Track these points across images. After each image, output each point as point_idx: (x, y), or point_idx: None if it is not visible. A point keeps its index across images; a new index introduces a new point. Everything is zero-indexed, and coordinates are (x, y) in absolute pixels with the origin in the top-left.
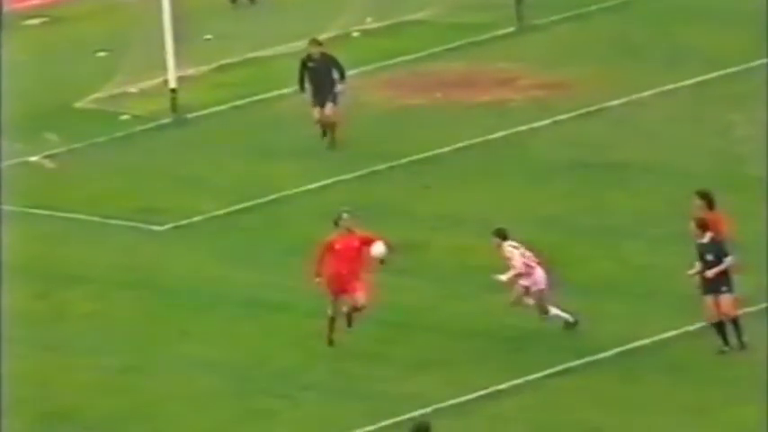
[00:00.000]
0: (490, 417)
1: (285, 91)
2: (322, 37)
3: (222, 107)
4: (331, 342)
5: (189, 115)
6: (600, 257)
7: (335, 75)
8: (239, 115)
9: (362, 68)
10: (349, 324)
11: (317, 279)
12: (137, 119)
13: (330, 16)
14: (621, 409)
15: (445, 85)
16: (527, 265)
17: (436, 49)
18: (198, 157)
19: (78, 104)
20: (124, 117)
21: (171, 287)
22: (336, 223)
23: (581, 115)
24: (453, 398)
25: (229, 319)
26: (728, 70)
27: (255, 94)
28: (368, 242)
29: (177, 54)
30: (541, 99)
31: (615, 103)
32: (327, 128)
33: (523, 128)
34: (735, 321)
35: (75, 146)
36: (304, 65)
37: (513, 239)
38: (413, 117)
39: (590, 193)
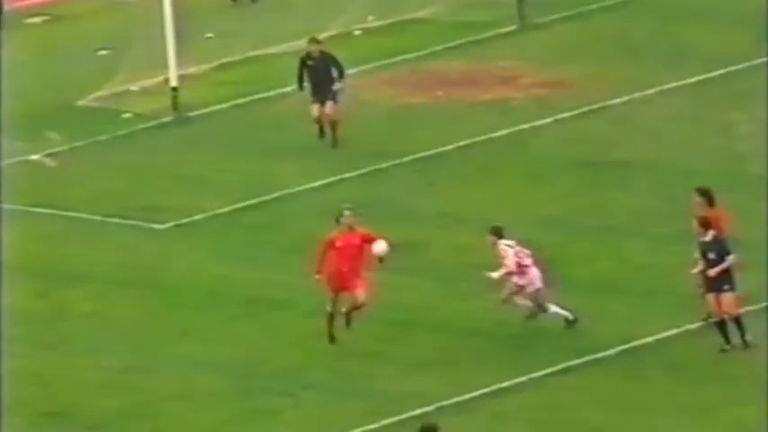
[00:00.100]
0: (491, 415)
1: (287, 89)
2: (323, 35)
3: (224, 105)
4: (332, 338)
5: (190, 114)
6: (601, 256)
7: (335, 73)
8: (241, 114)
9: (364, 67)
10: (348, 324)
11: (318, 276)
12: (138, 117)
13: (332, 15)
14: (623, 408)
15: (447, 83)
16: (520, 265)
17: (438, 48)
18: (199, 155)
19: (80, 103)
20: (126, 115)
21: (172, 286)
22: (338, 220)
23: (582, 114)
24: (455, 396)
25: (230, 317)
26: (729, 69)
27: (257, 93)
28: (369, 240)
29: (179, 52)
30: (543, 97)
31: (616, 101)
32: (329, 126)
33: (525, 126)
34: (737, 320)
35: (77, 144)
36: (303, 63)
37: (509, 238)
38: (415, 115)
39: (591, 191)
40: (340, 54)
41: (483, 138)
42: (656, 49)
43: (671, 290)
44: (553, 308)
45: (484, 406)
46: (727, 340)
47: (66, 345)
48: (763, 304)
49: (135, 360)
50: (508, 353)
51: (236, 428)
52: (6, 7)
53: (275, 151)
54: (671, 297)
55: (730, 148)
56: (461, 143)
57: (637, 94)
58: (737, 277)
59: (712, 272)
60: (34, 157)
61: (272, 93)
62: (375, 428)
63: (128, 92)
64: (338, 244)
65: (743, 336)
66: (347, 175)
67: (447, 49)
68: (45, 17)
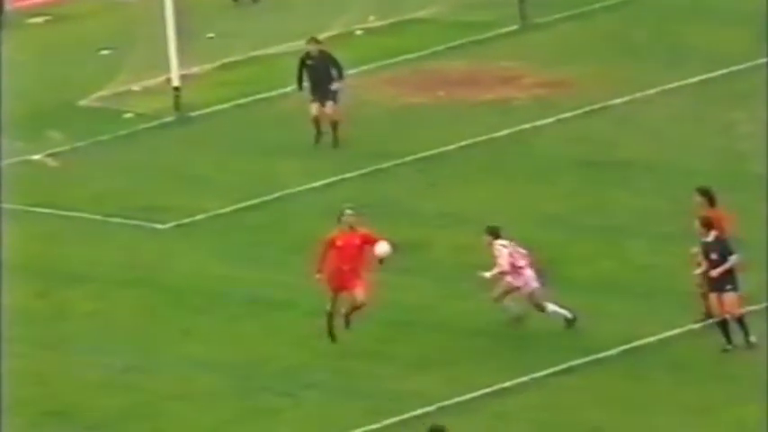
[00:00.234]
0: (493, 415)
1: (289, 89)
2: (325, 35)
3: (225, 105)
4: (333, 337)
5: (192, 113)
6: (603, 256)
7: (334, 73)
8: (243, 113)
9: (365, 67)
10: (347, 325)
11: (318, 275)
12: (140, 117)
13: (333, 14)
14: (624, 408)
15: (448, 83)
16: (514, 266)
17: (439, 48)
18: (201, 155)
19: (81, 103)
20: (127, 115)
21: (173, 286)
22: (339, 220)
23: (584, 113)
24: (456, 396)
25: (231, 317)
26: (730, 69)
27: (259, 93)
28: (369, 241)
29: (180, 52)
30: (544, 97)
31: (618, 101)
32: (330, 126)
33: (527, 126)
34: (740, 320)
35: (79, 144)
36: (303, 63)
37: (509, 238)
38: (416, 115)
39: (593, 191)
40: (341, 54)
41: (484, 138)
42: (657, 48)
43: (673, 289)
44: (551, 307)
45: (485, 406)
46: (729, 340)
47: (67, 344)
48: (764, 304)
49: (136, 360)
50: (509, 353)
51: (236, 428)
52: (8, 7)
53: (277, 151)
54: (672, 297)
55: (731, 148)
56: (463, 143)
57: (638, 94)
58: (740, 277)
59: (715, 272)
60: (36, 156)
61: (273, 93)
62: (376, 428)
63: (129, 92)
64: (339, 243)
65: (746, 337)
66: (348, 174)
67: (448, 48)
68: (47, 17)
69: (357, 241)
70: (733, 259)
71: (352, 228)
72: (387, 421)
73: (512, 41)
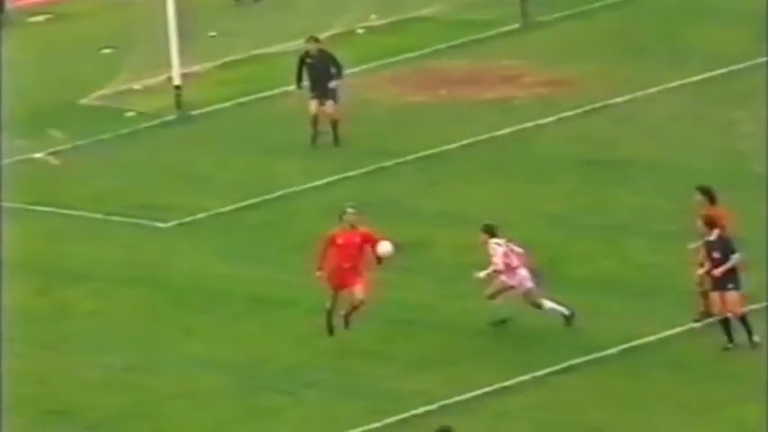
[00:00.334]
0: (493, 414)
1: (290, 88)
2: (326, 34)
3: (227, 104)
4: (331, 331)
5: (193, 112)
6: (603, 255)
7: (333, 71)
8: (244, 112)
9: (367, 66)
10: (346, 325)
11: (318, 273)
12: (141, 116)
13: (334, 13)
14: (624, 407)
15: (450, 82)
16: (508, 265)
17: (441, 47)
18: (202, 154)
19: (83, 101)
20: (129, 114)
21: (174, 284)
22: (341, 218)
23: (585, 112)
24: (456, 395)
25: (233, 316)
26: (732, 68)
27: (260, 91)
28: (369, 240)
29: (182, 51)
30: (546, 96)
31: (619, 100)
32: (330, 125)
33: (528, 125)
34: (743, 319)
35: (80, 143)
36: (302, 61)
37: (508, 237)
38: (417, 114)
39: (594, 190)
40: (343, 53)
41: (486, 136)
42: (659, 47)
43: (673, 288)
44: (548, 304)
45: (486, 405)
46: (731, 339)
47: (68, 343)
48: (764, 303)
49: (137, 359)
50: (510, 352)
51: (238, 427)
52: (9, 6)
53: (278, 150)
54: (673, 296)
55: (732, 147)
56: (464, 142)
57: (639, 93)
58: (742, 276)
59: (717, 271)
60: (37, 155)
61: (275, 91)
62: (377, 427)
63: (131, 90)
64: (339, 241)
65: (750, 336)
66: (350, 173)
67: (450, 47)
68: (48, 16)
69: (358, 240)
70: (735, 258)
71: (352, 226)
72: (388, 420)
73: (513, 40)
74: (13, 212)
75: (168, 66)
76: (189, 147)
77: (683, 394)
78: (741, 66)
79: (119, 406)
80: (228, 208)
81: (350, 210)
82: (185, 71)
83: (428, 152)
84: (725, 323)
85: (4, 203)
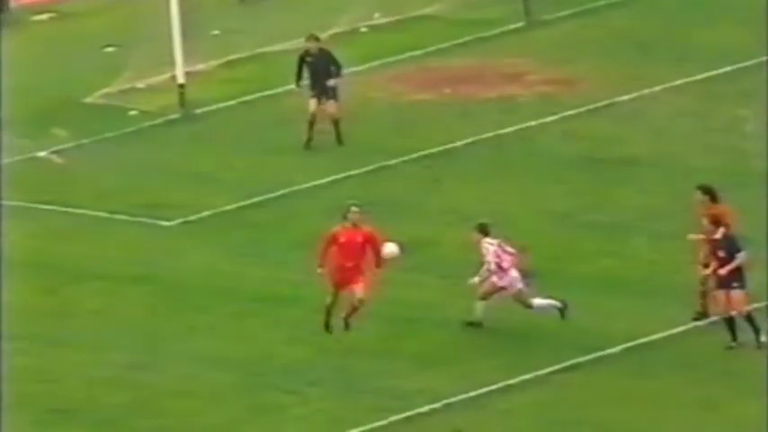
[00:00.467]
0: (498, 412)
1: (293, 86)
2: (330, 33)
3: (230, 102)
4: (328, 329)
5: (197, 111)
6: (607, 253)
7: (333, 70)
8: (247, 111)
9: (370, 64)
10: (346, 326)
11: (320, 270)
12: (145, 114)
13: (338, 12)
14: (629, 405)
15: (454, 80)
16: (499, 266)
17: (445, 45)
18: (206, 152)
19: (86, 100)
20: (132, 112)
21: (179, 283)
22: (345, 216)
23: (589, 111)
24: (461, 393)
25: (237, 314)
26: (736, 66)
27: (264, 90)
28: (371, 239)
29: (185, 50)
30: (550, 95)
31: (623, 98)
32: (331, 124)
33: (532, 123)
34: (749, 318)
35: (84, 141)
36: (302, 60)
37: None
38: (421, 112)
39: (598, 188)
40: (346, 51)
41: (490, 135)
42: (663, 46)
43: (677, 287)
44: (537, 301)
45: (491, 403)
46: (735, 337)
47: (73, 341)
48: (766, 302)
49: (141, 357)
50: (514, 350)
51: (242, 425)
52: (12, 4)
53: (282, 148)
54: (677, 294)
55: (736, 146)
56: (468, 140)
57: (643, 92)
58: (747, 275)
59: (723, 270)
60: (41, 153)
61: (278, 90)
62: (381, 426)
63: (134, 89)
64: (342, 240)
65: (757, 336)
66: (354, 171)
67: (454, 46)
68: (51, 14)
69: (360, 238)
70: (741, 256)
71: (355, 225)
72: (392, 418)
73: (517, 39)
74: (17, 211)
75: (172, 64)
76: (193, 145)
77: (687, 392)
78: (746, 64)
79: (123, 404)
80: (232, 206)
81: (354, 208)
82: (189, 70)
83: (432, 150)
84: (729, 322)
85: (9, 202)
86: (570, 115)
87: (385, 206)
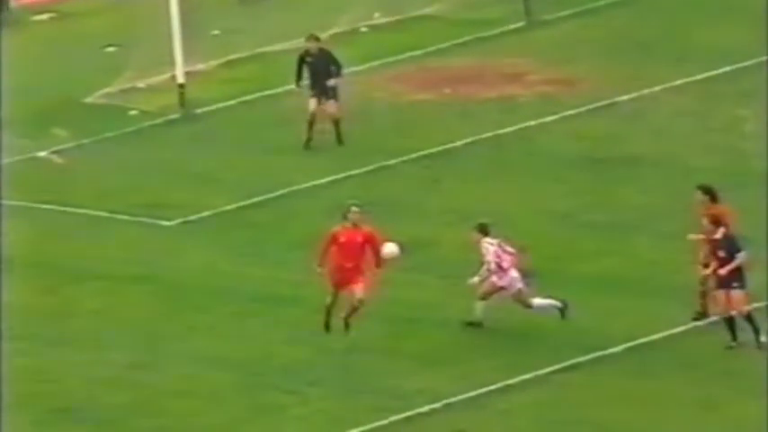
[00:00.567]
0: (499, 412)
1: (293, 86)
2: (330, 33)
3: (230, 102)
4: (328, 328)
5: (197, 110)
6: (608, 253)
7: (333, 70)
8: (247, 110)
9: (370, 64)
10: (346, 327)
11: (319, 269)
12: (145, 114)
13: (338, 12)
14: (629, 405)
15: (454, 80)
16: (499, 266)
17: (445, 45)
18: (206, 152)
19: (87, 100)
20: (133, 112)
21: (179, 282)
22: (345, 216)
23: (590, 111)
24: (462, 393)
25: (237, 314)
26: (737, 66)
27: (264, 90)
28: (371, 240)
29: (185, 49)
30: (550, 94)
31: (624, 98)
32: (332, 124)
33: (532, 123)
34: (749, 318)
35: (84, 141)
36: (302, 60)
37: (495, 236)
38: (421, 112)
39: (599, 188)
40: (346, 51)
41: (490, 135)
42: (663, 46)
43: (678, 286)
44: (537, 301)
45: (491, 403)
46: (735, 337)
47: (73, 341)
48: (765, 303)
49: (142, 356)
50: (515, 350)
51: (242, 425)
52: (12, 4)
53: (282, 148)
54: (678, 294)
55: (736, 146)
56: (468, 140)
57: (644, 91)
58: (747, 275)
59: (723, 270)
60: (41, 153)
61: (278, 90)
62: (382, 425)
63: (135, 89)
64: (341, 240)
65: (757, 336)
66: (353, 171)
67: (454, 45)
68: (52, 14)
69: (360, 239)
70: (741, 256)
71: (355, 225)
72: (392, 418)
73: (517, 38)
74: (17, 211)
75: (172, 64)
76: (193, 145)
77: (688, 392)
78: (746, 64)
79: (123, 403)
80: (232, 206)
81: (354, 208)
82: (189, 69)
83: (432, 150)
84: (729, 321)
85: (9, 202)
86: (570, 115)
87: (385, 206)
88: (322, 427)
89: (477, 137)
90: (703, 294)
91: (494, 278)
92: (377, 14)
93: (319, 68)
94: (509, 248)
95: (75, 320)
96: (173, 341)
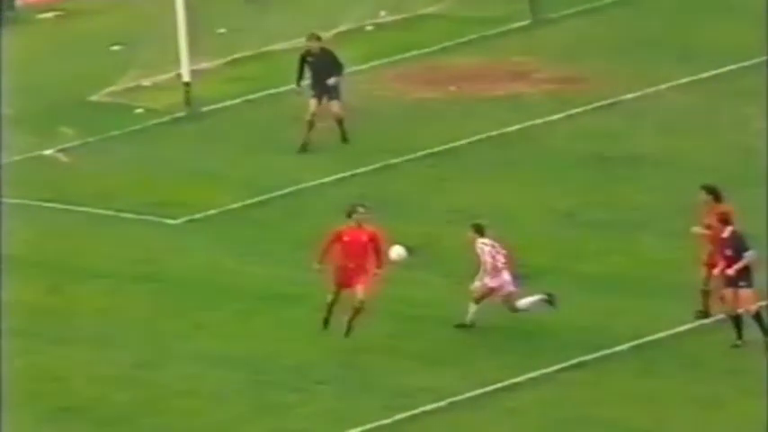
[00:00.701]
0: (504, 410)
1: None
2: (335, 31)
3: (236, 101)
4: (326, 325)
5: (203, 109)
6: (614, 252)
7: (334, 70)
8: (253, 109)
9: (376, 62)
10: (348, 330)
11: (318, 266)
12: (151, 112)
13: (343, 10)
14: (635, 403)
15: (460, 78)
16: (494, 266)
17: (450, 43)
18: (212, 150)
19: (92, 98)
20: (138, 111)
21: (185, 281)
22: (349, 215)
23: (595, 109)
24: (467, 391)
25: (243, 312)
26: (743, 64)
27: (269, 88)
28: (374, 240)
29: (191, 48)
30: (556, 93)
31: (629, 96)
32: (336, 123)
33: (538, 121)
34: (757, 317)
35: (90, 139)
36: (303, 59)
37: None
38: (427, 111)
39: (604, 186)
40: (352, 50)
41: (495, 133)
42: (669, 43)
43: (683, 285)
44: (523, 303)
45: (497, 401)
46: (740, 336)
47: (78, 340)
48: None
49: (147, 355)
50: (521, 348)
51: (248, 424)
52: (18, 3)
53: (287, 146)
54: (683, 292)
55: (742, 144)
56: (473, 138)
57: (649, 90)
58: (755, 273)
59: (731, 269)
60: (47, 152)
61: (283, 88)
62: (387, 424)
63: (140, 87)
64: (345, 239)
65: (765, 334)
66: (359, 170)
67: (459, 44)
68: (57, 13)
69: (364, 238)
70: (749, 255)
71: (360, 224)
72: (398, 416)
73: (523, 37)
74: (23, 209)
75: (177, 62)
76: (198, 143)
77: (692, 390)
78: (752, 62)
79: (129, 402)
80: (238, 204)
81: (361, 209)
82: (194, 68)
83: (437, 149)
84: (736, 320)
85: (15, 200)
86: (576, 113)
87: (390, 204)
88: (327, 426)
89: (482, 135)
90: (706, 293)
91: (486, 279)
92: (382, 13)
93: (321, 68)
94: (502, 250)
95: (80, 319)
96: (178, 340)
